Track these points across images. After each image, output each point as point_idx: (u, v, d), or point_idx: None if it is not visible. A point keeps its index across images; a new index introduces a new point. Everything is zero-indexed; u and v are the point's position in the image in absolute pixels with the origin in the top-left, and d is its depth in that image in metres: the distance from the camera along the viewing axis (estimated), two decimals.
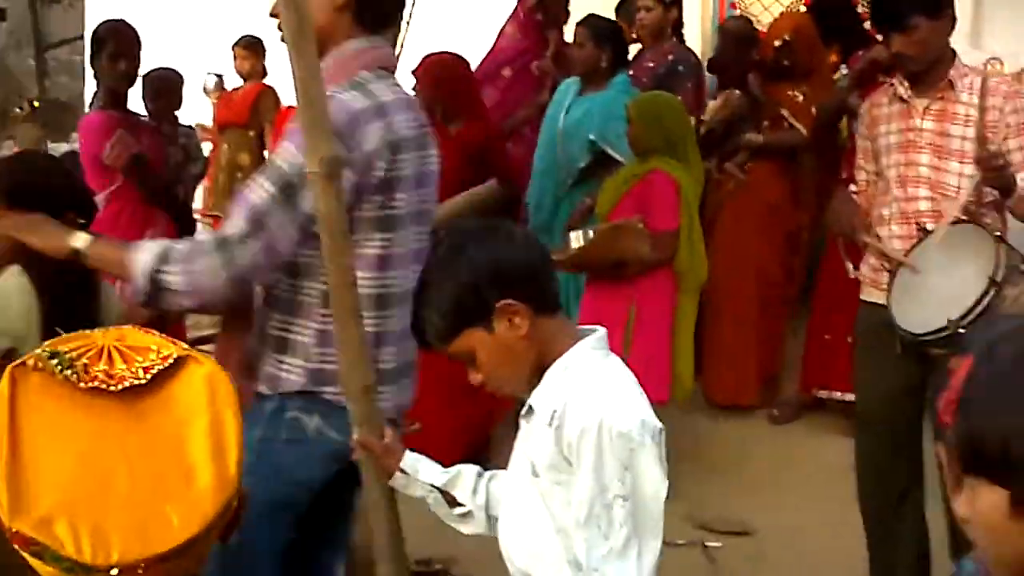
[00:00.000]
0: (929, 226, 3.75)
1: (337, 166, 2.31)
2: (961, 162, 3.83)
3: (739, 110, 6.39)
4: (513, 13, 7.09)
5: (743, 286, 6.36)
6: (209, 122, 8.76)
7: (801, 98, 6.25)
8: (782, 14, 7.07)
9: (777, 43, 6.36)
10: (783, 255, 6.47)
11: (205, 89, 9.53)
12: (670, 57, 6.55)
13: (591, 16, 6.36)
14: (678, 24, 6.90)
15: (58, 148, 16.46)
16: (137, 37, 5.39)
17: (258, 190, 2.62)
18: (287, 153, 2.63)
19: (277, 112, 8.32)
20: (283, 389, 2.78)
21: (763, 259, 6.35)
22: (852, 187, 4.27)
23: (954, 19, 3.89)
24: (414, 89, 5.76)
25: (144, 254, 2.63)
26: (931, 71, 3.90)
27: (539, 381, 2.24)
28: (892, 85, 4.05)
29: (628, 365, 4.85)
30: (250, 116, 8.29)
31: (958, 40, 3.82)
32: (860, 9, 7.38)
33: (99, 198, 5.24)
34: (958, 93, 3.88)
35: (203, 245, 2.65)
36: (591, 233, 5.16)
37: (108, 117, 5.29)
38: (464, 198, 5.73)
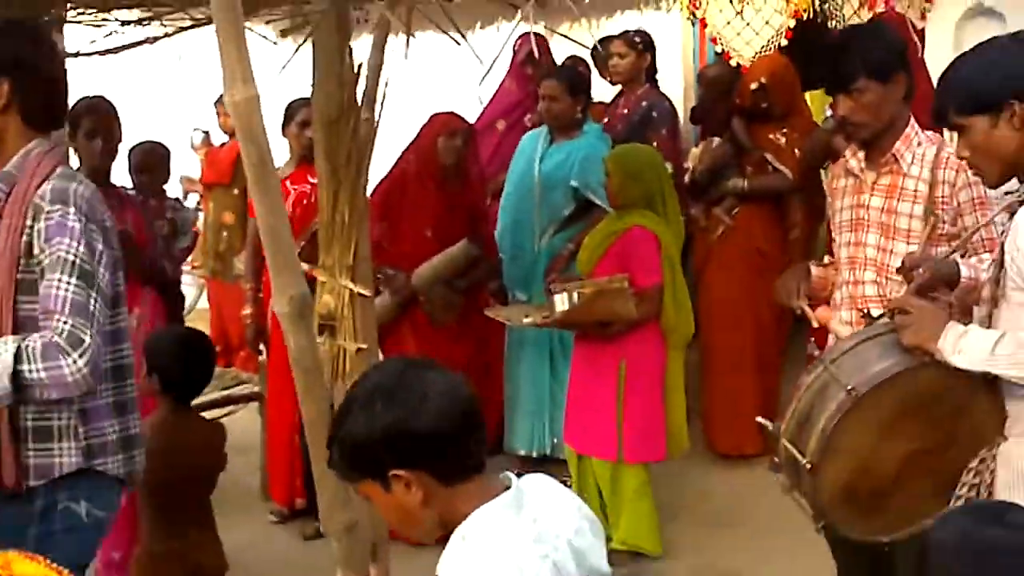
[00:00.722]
0: (875, 312, 3.22)
1: (306, 305, 2.32)
2: (908, 242, 3.56)
3: (722, 158, 6.38)
4: (510, 66, 7.12)
5: (738, 333, 6.35)
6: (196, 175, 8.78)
7: (783, 140, 6.25)
8: (759, 58, 7.04)
9: (753, 86, 6.36)
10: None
11: (192, 145, 9.54)
12: (644, 103, 6.59)
13: (561, 68, 6.39)
14: (652, 69, 6.91)
15: None
16: (114, 112, 5.33)
17: (66, 288, 2.85)
18: (70, 247, 2.89)
19: None
20: (56, 475, 2.96)
21: (756, 305, 6.30)
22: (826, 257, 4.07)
23: (909, 85, 3.67)
24: (419, 148, 5.82)
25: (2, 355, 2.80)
26: (880, 141, 3.67)
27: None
28: (845, 157, 3.81)
29: (623, 424, 4.86)
30: (233, 174, 8.29)
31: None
32: None
33: None
34: (907, 166, 3.63)
35: (54, 344, 2.81)
36: (576, 296, 5.16)
37: None
38: (440, 259, 5.77)
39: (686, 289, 5.44)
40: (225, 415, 6.55)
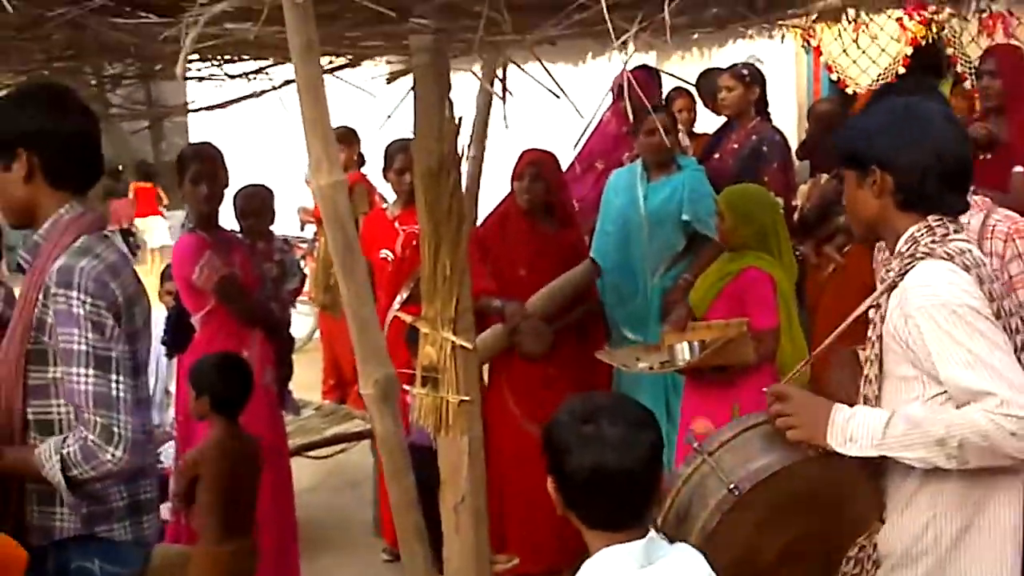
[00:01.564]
0: None
1: (391, 386, 2.28)
2: None
3: (831, 194, 6.23)
4: (613, 103, 7.06)
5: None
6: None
7: None
8: (867, 89, 6.91)
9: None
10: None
11: (306, 180, 9.65)
12: (755, 137, 6.50)
13: (661, 109, 6.33)
14: (762, 102, 6.80)
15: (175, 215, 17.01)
16: (219, 157, 5.41)
17: (86, 381, 2.92)
18: (80, 337, 2.93)
19: (370, 203, 8.36)
20: (56, 537, 3.02)
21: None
22: None
23: None
24: (516, 182, 5.82)
25: (48, 466, 2.93)
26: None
27: None
28: None
29: None
30: None
31: None
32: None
33: (195, 320, 5.31)
34: None
35: (91, 443, 2.91)
36: (696, 345, 5.07)
37: (197, 239, 5.32)
38: (559, 282, 5.75)
39: (801, 330, 5.32)
40: (338, 452, 6.61)
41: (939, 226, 2.80)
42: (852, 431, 2.73)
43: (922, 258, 2.76)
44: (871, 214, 2.89)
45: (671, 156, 6.15)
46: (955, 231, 2.82)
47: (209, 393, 4.47)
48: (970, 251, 2.77)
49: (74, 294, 2.94)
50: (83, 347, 2.93)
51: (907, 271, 2.78)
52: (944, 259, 2.73)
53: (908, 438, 2.68)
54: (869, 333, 2.95)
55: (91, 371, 2.92)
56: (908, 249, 2.81)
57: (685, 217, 6.00)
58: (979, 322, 2.67)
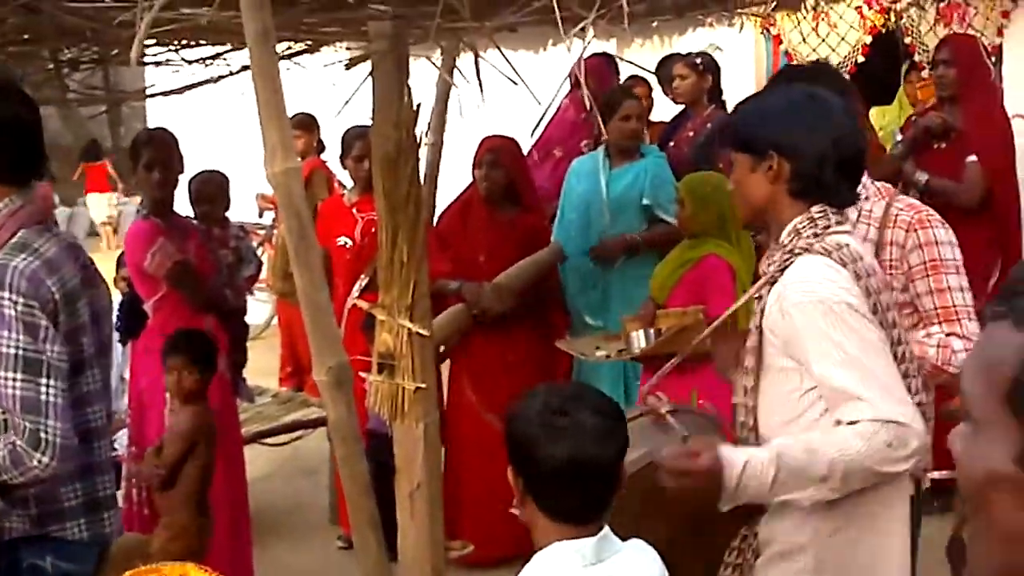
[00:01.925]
0: None
1: (345, 373, 2.28)
2: None
3: None
4: (571, 90, 7.05)
5: None
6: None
7: None
8: None
9: None
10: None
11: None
12: (710, 125, 6.50)
13: (631, 96, 6.32)
14: (717, 90, 6.84)
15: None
16: (173, 144, 5.35)
17: (13, 385, 2.86)
18: (9, 339, 2.86)
19: (329, 190, 8.31)
20: (7, 537, 2.99)
21: None
22: None
23: None
24: (476, 169, 5.81)
25: None
26: None
27: None
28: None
29: None
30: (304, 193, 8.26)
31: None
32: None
33: (147, 306, 5.27)
34: (851, 224, 3.44)
35: (19, 448, 2.86)
36: (652, 333, 5.08)
37: (151, 225, 5.25)
38: (526, 262, 5.74)
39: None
40: (295, 439, 6.59)
41: (821, 217, 2.78)
42: (741, 494, 2.68)
43: (800, 253, 2.75)
44: (761, 200, 2.85)
45: (639, 143, 6.17)
46: (837, 223, 2.80)
47: (204, 363, 4.54)
48: (848, 245, 2.76)
49: (6, 294, 2.87)
50: (12, 350, 2.86)
51: (787, 266, 2.76)
52: (822, 254, 2.71)
53: (795, 483, 2.67)
54: (750, 323, 2.93)
55: (20, 375, 2.86)
56: (789, 242, 2.79)
57: (646, 202, 6.02)
58: (854, 319, 2.67)
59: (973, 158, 5.47)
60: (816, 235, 2.75)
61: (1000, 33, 7.31)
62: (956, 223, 5.40)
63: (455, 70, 4.65)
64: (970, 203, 5.45)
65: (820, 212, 2.78)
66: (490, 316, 5.71)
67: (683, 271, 5.23)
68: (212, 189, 5.91)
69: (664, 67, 7.33)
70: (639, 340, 5.13)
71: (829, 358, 2.66)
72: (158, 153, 5.28)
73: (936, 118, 5.60)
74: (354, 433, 2.33)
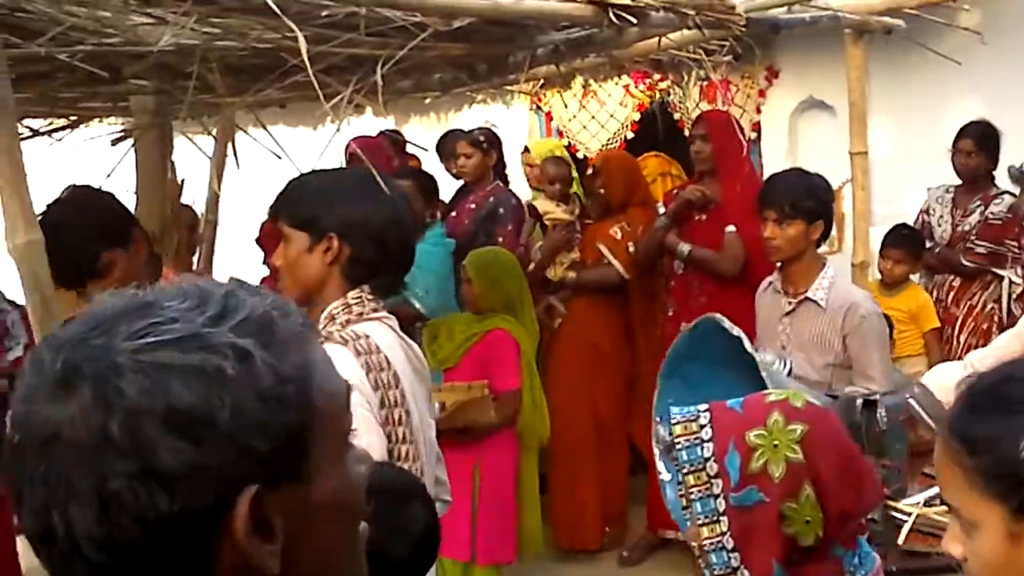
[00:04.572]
0: None
1: None
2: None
3: (561, 243, 6.39)
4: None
5: (578, 428, 6.21)
6: None
7: (619, 235, 6.22)
8: (597, 153, 7.19)
9: (588, 171, 6.51)
10: (617, 394, 6.31)
11: None
12: (491, 199, 6.61)
13: (419, 172, 6.40)
14: (499, 165, 6.96)
15: None
16: None
17: None
18: None
19: None
20: None
21: (596, 399, 6.25)
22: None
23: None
24: None
25: None
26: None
27: None
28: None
29: (477, 526, 4.90)
30: None
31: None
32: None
33: None
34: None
35: None
36: (438, 408, 5.12)
37: None
38: None
39: (543, 391, 5.44)
40: None
41: (357, 303, 2.73)
42: None
43: (323, 341, 2.61)
44: (314, 280, 2.76)
45: (419, 222, 6.19)
46: (373, 309, 2.74)
47: None
48: (368, 336, 2.68)
49: None
50: None
51: None
52: (340, 343, 2.64)
53: None
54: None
55: None
56: (324, 328, 2.71)
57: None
58: (358, 409, 2.54)
59: (732, 228, 5.68)
60: (348, 321, 2.71)
61: (759, 111, 7.68)
62: (718, 291, 5.71)
63: (228, 146, 4.65)
64: (730, 271, 5.63)
65: (357, 299, 2.73)
66: None
67: (470, 344, 5.28)
68: None
69: (445, 143, 7.42)
70: None
71: None
72: None
73: (696, 191, 5.78)
74: None
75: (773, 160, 7.33)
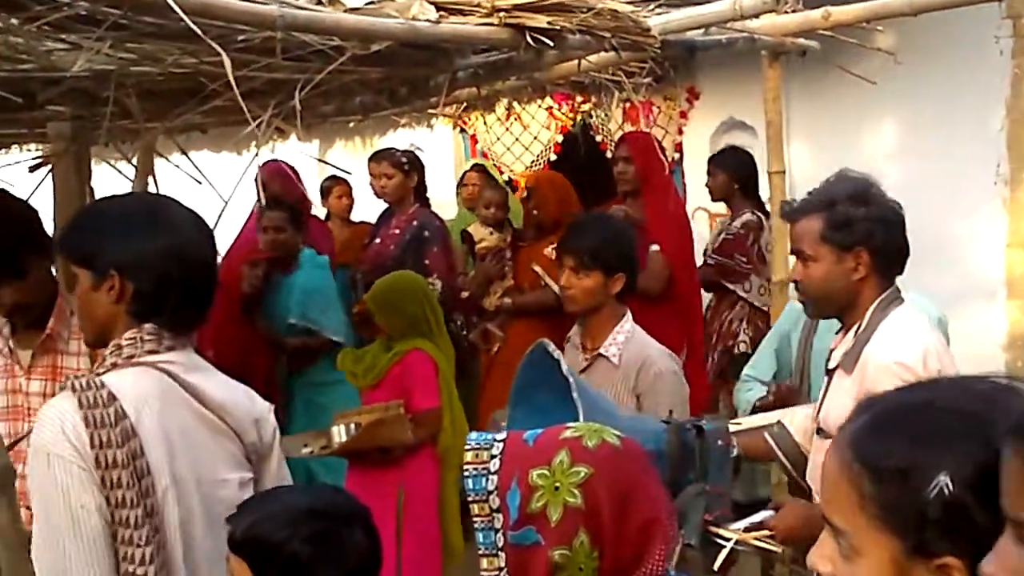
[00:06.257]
0: None
1: (9, 476, 2.21)
2: None
3: (493, 271, 6.41)
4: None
5: None
6: None
7: (554, 255, 6.19)
8: (522, 175, 7.24)
9: (521, 195, 6.54)
10: None
11: None
12: (415, 223, 6.61)
13: (279, 201, 6.29)
14: (422, 187, 6.97)
15: None
16: None
17: None
18: None
19: None
20: None
21: None
22: None
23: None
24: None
25: None
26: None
27: None
28: None
29: (403, 549, 4.86)
30: None
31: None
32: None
33: None
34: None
35: None
36: (353, 427, 5.11)
37: None
38: None
39: (462, 408, 5.44)
40: None
41: (129, 345, 2.47)
42: None
43: (62, 388, 2.43)
44: (104, 320, 2.51)
45: (292, 252, 6.22)
46: (150, 351, 2.47)
47: None
48: (103, 387, 2.38)
49: None
50: None
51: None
52: (71, 393, 2.36)
53: None
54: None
55: None
56: (109, 358, 2.48)
57: (291, 320, 6.10)
58: (58, 470, 2.29)
59: (655, 247, 5.74)
60: (115, 365, 2.45)
61: (680, 132, 7.78)
62: (643, 310, 5.75)
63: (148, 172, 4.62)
64: (654, 290, 5.66)
65: (130, 340, 2.47)
66: None
67: (389, 365, 5.28)
68: None
69: (369, 167, 7.42)
70: (339, 435, 5.14)
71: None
72: None
73: (619, 211, 5.84)
74: (21, 540, 2.19)
75: (696, 180, 7.41)
